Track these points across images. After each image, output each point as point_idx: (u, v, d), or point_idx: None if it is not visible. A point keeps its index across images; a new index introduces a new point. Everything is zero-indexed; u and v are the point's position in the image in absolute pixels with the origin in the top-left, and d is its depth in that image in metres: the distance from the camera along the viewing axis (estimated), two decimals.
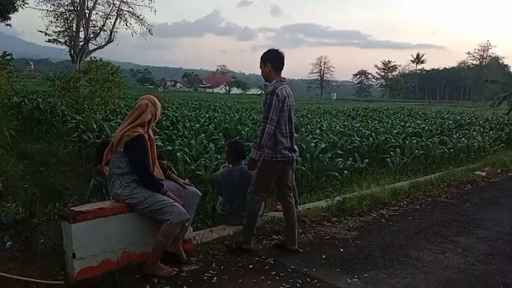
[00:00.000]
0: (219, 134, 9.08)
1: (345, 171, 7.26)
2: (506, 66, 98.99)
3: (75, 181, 6.74)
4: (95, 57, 16.43)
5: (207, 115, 13.32)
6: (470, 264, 3.86)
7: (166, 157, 4.45)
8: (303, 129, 10.65)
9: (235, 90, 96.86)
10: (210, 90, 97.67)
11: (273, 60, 3.86)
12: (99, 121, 9.54)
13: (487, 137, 12.28)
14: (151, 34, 39.29)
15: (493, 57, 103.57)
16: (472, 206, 6.04)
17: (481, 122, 16.76)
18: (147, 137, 3.41)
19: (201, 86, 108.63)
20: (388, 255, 4.03)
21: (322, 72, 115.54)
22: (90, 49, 37.86)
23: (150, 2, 37.22)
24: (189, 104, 24.49)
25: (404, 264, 3.82)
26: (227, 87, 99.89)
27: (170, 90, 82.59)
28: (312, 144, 8.05)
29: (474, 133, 12.81)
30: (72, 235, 3.03)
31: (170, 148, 6.84)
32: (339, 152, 8.22)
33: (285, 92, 3.80)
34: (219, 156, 6.60)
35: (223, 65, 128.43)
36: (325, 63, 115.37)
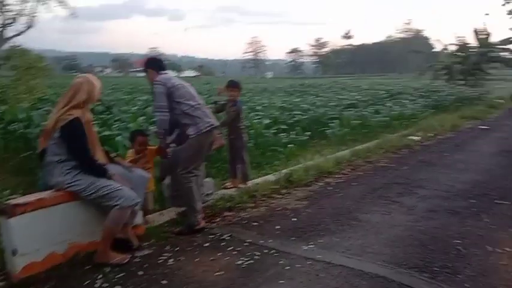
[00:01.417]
0: None
1: (289, 145, 7.33)
2: (427, 38, 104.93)
3: (3, 176, 6.21)
4: (14, 44, 15.10)
5: (144, 98, 12.80)
6: (415, 222, 4.07)
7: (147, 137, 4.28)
8: (244, 106, 10.57)
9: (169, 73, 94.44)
10: (142, 74, 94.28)
11: (151, 65, 4.06)
12: (26, 110, 8.83)
13: (417, 104, 13.00)
14: (76, 17, 36.80)
15: (416, 30, 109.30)
16: (410, 169, 6.37)
17: (410, 91, 17.71)
18: (84, 119, 3.17)
19: (132, 70, 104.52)
20: (339, 220, 4.14)
21: (255, 52, 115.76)
22: (8, 36, 34.75)
23: None
24: (122, 88, 23.49)
25: (355, 227, 3.95)
26: None
27: (99, 75, 78.67)
28: (255, 120, 8.03)
29: (405, 101, 13.49)
30: (10, 230, 2.78)
31: (108, 133, 6.48)
32: (282, 126, 8.28)
33: (170, 78, 4.02)
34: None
35: (155, 48, 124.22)
36: (258, 42, 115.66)
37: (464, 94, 17.93)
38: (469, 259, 3.20)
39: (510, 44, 26.28)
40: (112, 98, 12.64)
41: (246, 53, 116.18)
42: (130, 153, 4.15)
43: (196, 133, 3.87)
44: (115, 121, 7.89)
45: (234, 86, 5.30)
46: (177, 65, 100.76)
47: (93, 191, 3.08)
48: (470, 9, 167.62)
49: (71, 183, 3.07)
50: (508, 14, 19.51)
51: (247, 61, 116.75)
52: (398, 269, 3.05)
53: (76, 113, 3.11)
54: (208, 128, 3.93)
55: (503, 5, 19.44)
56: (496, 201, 4.64)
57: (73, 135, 3.08)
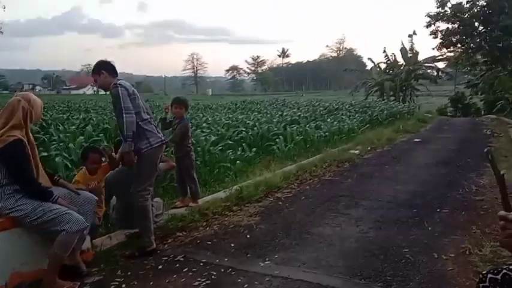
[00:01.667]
0: (100, 135, 8.42)
1: (237, 162, 7.34)
2: (359, 56, 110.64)
3: None
4: None
5: (81, 116, 12.25)
6: (364, 233, 4.21)
7: (111, 151, 4.06)
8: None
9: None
10: (75, 91, 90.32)
11: (106, 67, 3.82)
12: None
13: (354, 120, 13.60)
14: (1, 33, 34.60)
15: (348, 49, 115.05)
16: (353, 181, 6.61)
17: (347, 107, 18.50)
18: (26, 140, 2.97)
19: (64, 88, 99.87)
20: (292, 234, 4.19)
21: (195, 69, 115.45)
22: None
23: None
24: (56, 107, 22.36)
25: (308, 241, 4.01)
26: (95, 88, 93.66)
27: None
28: (202, 138, 7.97)
29: (343, 117, 14.07)
30: None
31: (46, 154, 6.11)
32: (229, 143, 8.29)
33: (128, 84, 3.82)
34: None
35: (89, 64, 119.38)
36: (197, 59, 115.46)
37: (396, 109, 19.04)
38: (418, 267, 3.35)
39: (434, 62, 28.45)
40: (47, 118, 11.97)
41: (186, 70, 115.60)
42: (82, 173, 3.94)
43: (149, 148, 3.74)
44: (51, 141, 7.46)
45: (180, 103, 5.25)
46: None
47: (38, 215, 2.88)
48: (398, 29, 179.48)
49: (13, 208, 2.85)
50: (430, 34, 21.10)
51: (187, 78, 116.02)
52: (354, 280, 3.13)
53: (17, 133, 2.91)
54: (159, 143, 3.84)
55: (426, 26, 21.01)
56: (437, 209, 4.92)
57: (15, 158, 2.87)
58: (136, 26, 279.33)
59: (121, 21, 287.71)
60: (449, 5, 20.13)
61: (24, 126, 3.00)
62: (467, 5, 19.79)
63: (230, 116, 13.22)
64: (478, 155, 8.80)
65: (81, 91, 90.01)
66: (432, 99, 36.47)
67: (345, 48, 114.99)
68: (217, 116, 13.27)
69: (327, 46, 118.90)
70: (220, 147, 7.77)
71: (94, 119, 11.64)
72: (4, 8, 33.77)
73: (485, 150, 1.58)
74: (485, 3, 19.29)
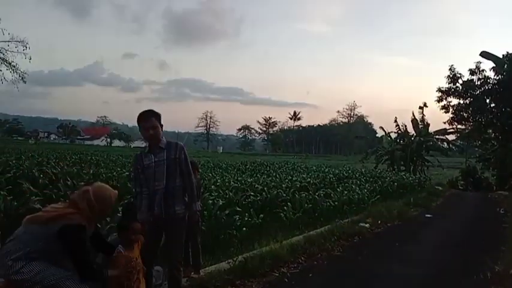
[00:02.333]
0: None
1: (243, 228, 7.17)
2: (370, 123, 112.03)
3: None
4: None
5: (91, 171, 12.28)
6: None
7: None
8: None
9: (117, 143, 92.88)
10: (89, 142, 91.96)
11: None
12: None
13: (364, 190, 13.41)
14: (25, 82, 35.89)
15: (358, 116, 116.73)
16: (363, 259, 6.35)
17: (357, 175, 18.35)
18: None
19: (79, 137, 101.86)
20: None
21: (208, 126, 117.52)
22: None
23: (24, 48, 34.10)
24: (68, 158, 22.57)
25: None
26: (108, 140, 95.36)
27: (43, 142, 75.75)
28: (210, 201, 7.87)
29: (353, 186, 13.90)
30: None
31: None
32: (237, 208, 8.15)
33: None
34: (108, 220, 6.01)
35: (105, 116, 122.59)
36: (211, 117, 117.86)
37: (406, 181, 18.83)
38: None
39: (445, 135, 28.52)
40: (57, 171, 12.03)
41: (199, 126, 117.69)
42: (120, 254, 3.35)
43: (185, 213, 3.78)
44: (59, 197, 7.42)
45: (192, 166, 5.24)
46: (126, 135, 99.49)
47: (37, 280, 2.78)
48: (410, 100, 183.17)
49: (17, 271, 2.77)
50: (442, 109, 21.38)
51: (199, 134, 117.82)
52: None
53: (80, 220, 2.91)
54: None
55: (437, 101, 21.37)
56: None
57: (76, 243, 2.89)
58: (154, 82, 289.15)
59: (140, 77, 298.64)
60: (460, 81, 20.56)
61: (91, 218, 3.03)
62: (479, 82, 20.18)
63: (239, 178, 13.15)
64: (492, 236, 8.53)
65: (95, 142, 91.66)
66: (443, 170, 36.26)
67: (356, 114, 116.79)
68: (226, 177, 13.21)
69: (338, 112, 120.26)
70: (227, 212, 7.62)
71: (104, 175, 11.65)
72: (30, 59, 35.23)
73: None
74: (496, 81, 19.65)
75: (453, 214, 12.03)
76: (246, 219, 7.74)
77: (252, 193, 9.96)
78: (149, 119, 3.72)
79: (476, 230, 9.40)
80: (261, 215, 8.34)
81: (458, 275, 5.66)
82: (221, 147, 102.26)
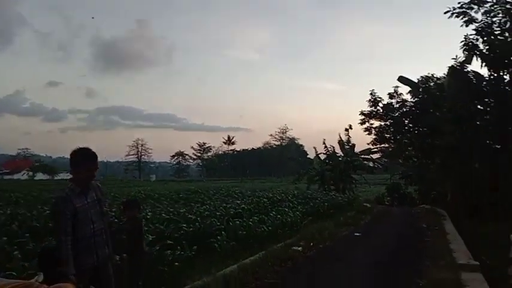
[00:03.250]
0: (26, 235, 7.69)
1: (175, 263, 6.95)
2: (301, 145, 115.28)
3: None
4: None
5: (8, 211, 11.29)
6: None
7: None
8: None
9: (40, 176, 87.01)
10: (9, 176, 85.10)
11: None
12: None
13: (297, 212, 13.66)
14: None
15: (290, 138, 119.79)
16: (295, 285, 6.45)
17: (290, 197, 18.67)
18: None
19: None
20: None
21: (139, 154, 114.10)
22: None
23: None
24: None
25: None
26: (31, 173, 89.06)
27: None
28: None
29: (286, 209, 14.11)
30: None
31: None
32: (168, 242, 7.89)
33: None
34: (26, 264, 5.54)
35: (26, 148, 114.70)
36: (142, 145, 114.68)
37: (336, 200, 19.51)
38: None
39: (370, 154, 30.16)
40: None
41: (129, 155, 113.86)
42: None
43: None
44: None
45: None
46: (50, 167, 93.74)
47: None
48: (338, 122, 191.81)
49: None
50: (365, 131, 22.67)
51: (130, 163, 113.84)
52: None
53: None
54: None
55: (361, 123, 22.64)
56: None
57: None
58: (80, 111, 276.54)
59: (65, 105, 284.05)
60: (381, 104, 21.96)
61: None
62: (397, 105, 21.69)
63: (171, 209, 12.80)
64: (416, 251, 9.05)
65: (15, 176, 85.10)
66: (370, 187, 38.20)
67: (288, 137, 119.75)
68: (157, 209, 12.82)
69: (271, 135, 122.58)
70: (157, 248, 7.35)
71: (21, 214, 10.75)
72: None
73: None
74: (412, 104, 21.24)
75: (380, 231, 12.62)
76: (178, 252, 7.51)
77: (184, 224, 9.72)
78: (97, 159, 3.66)
79: (402, 245, 9.91)
80: (194, 247, 8.14)
81: None
82: (154, 175, 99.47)
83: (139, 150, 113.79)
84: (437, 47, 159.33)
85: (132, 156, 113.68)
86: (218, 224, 10.44)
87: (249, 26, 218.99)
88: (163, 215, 11.04)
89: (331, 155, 31.36)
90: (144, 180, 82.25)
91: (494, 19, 16.23)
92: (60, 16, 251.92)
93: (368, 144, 24.85)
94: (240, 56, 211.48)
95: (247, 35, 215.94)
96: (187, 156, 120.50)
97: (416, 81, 21.92)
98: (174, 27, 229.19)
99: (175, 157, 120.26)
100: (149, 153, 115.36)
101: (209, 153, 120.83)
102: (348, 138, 31.02)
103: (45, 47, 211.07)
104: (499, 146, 17.55)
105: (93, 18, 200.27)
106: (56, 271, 3.31)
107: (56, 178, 79.44)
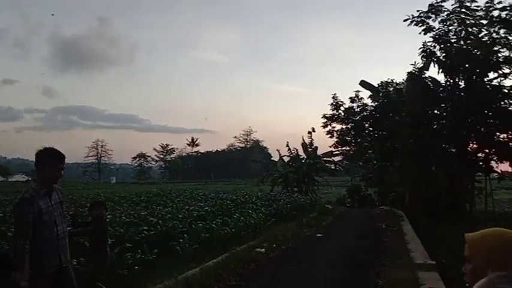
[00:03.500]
0: None
1: (135, 267, 6.77)
2: (265, 148, 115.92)
3: None
4: None
5: None
6: None
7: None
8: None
9: None
10: None
11: None
12: None
13: (260, 214, 13.70)
14: None
15: (254, 141, 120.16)
16: (258, 286, 6.42)
17: (253, 199, 18.69)
18: None
19: None
20: None
21: (99, 155, 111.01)
22: None
23: None
24: None
25: None
26: None
27: None
28: None
29: (250, 211, 14.11)
30: None
31: None
32: (128, 245, 7.69)
33: None
34: None
35: None
36: (102, 146, 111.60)
37: (299, 202, 19.72)
38: None
39: (331, 157, 30.74)
40: None
41: (88, 156, 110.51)
42: None
43: None
44: None
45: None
46: (4, 168, 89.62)
47: None
48: (301, 125, 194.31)
49: None
50: (327, 134, 23.08)
51: (89, 165, 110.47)
52: None
53: None
54: None
55: (323, 126, 23.01)
56: None
57: None
58: (38, 110, 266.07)
59: (22, 104, 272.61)
60: (342, 108, 22.43)
61: None
62: (358, 109, 22.23)
63: (132, 212, 12.51)
64: (375, 252, 9.26)
65: None
66: (332, 189, 38.97)
67: (252, 139, 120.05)
68: (117, 212, 12.48)
69: (235, 137, 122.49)
70: (116, 251, 7.14)
71: None
72: None
73: None
74: (373, 108, 21.82)
75: (341, 232, 12.85)
76: (139, 256, 7.33)
77: (145, 227, 9.51)
78: (64, 159, 3.51)
79: (362, 245, 10.11)
80: (156, 250, 7.98)
81: None
82: (114, 178, 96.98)
83: (99, 151, 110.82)
84: (398, 53, 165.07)
85: (91, 158, 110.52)
86: (180, 226, 10.29)
87: (215, 28, 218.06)
88: (124, 217, 10.75)
89: (294, 157, 31.75)
90: (104, 183, 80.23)
91: (450, 27, 16.99)
92: (17, 12, 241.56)
93: (330, 147, 25.34)
94: (206, 57, 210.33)
95: (213, 36, 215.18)
96: (149, 158, 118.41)
97: (376, 85, 22.60)
98: (138, 26, 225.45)
99: (137, 159, 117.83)
100: (109, 154, 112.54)
101: (172, 155, 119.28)
102: (311, 141, 31.55)
103: (0, 43, 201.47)
104: (454, 150, 18.33)
105: (52, 15, 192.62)
106: (8, 280, 3.15)
107: (10, 180, 76.04)
